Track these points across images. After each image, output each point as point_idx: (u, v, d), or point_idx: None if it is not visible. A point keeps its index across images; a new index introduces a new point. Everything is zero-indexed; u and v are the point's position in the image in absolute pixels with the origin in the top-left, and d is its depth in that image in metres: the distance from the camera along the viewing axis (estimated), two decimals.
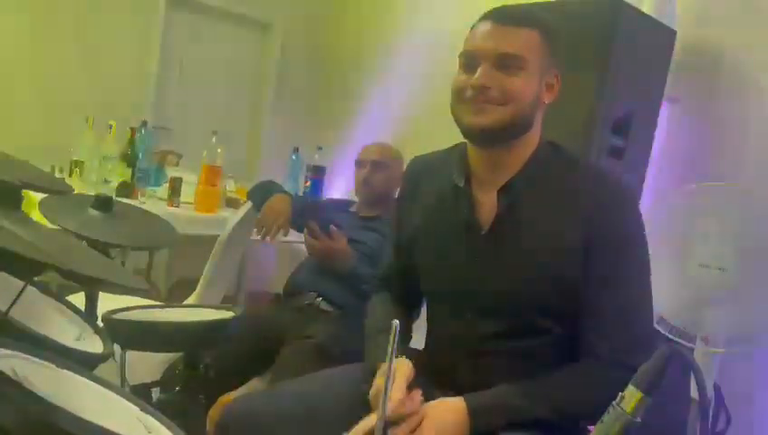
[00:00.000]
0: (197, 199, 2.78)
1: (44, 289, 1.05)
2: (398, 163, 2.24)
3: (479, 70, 1.15)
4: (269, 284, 3.82)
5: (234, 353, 1.78)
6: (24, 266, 0.55)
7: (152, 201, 2.83)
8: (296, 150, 3.38)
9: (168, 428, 0.83)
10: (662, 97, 2.33)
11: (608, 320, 1.12)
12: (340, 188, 3.69)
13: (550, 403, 1.10)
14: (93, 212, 1.21)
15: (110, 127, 2.83)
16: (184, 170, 3.29)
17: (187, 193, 2.83)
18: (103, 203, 1.22)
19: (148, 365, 1.64)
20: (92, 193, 2.50)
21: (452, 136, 1.29)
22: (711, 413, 1.97)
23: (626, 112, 2.14)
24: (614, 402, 0.53)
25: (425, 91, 3.37)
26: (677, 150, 2.47)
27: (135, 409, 0.85)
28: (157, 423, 0.83)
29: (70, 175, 2.82)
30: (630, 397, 0.52)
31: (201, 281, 2.16)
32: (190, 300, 2.18)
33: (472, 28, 1.21)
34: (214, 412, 1.67)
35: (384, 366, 1.17)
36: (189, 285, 2.46)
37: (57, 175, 2.94)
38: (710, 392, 1.87)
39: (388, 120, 3.59)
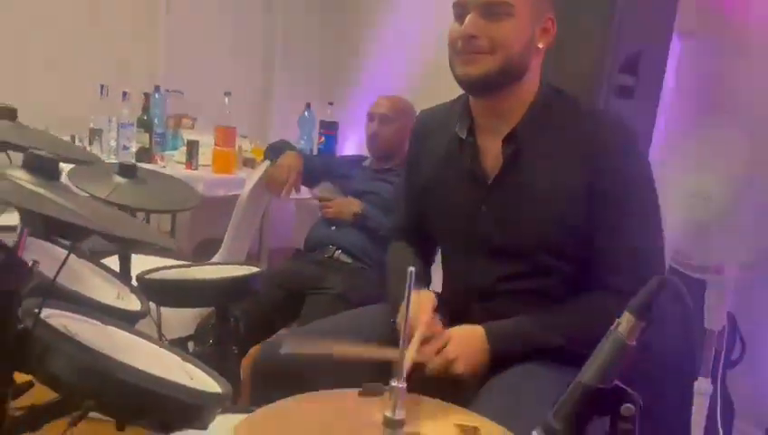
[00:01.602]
0: (214, 161, 2.84)
1: (82, 255, 1.13)
2: (408, 116, 2.26)
3: (467, 19, 1.16)
4: (290, 240, 3.90)
5: (261, 307, 1.87)
6: (70, 233, 0.61)
7: (171, 165, 2.89)
8: (308, 107, 3.40)
9: (208, 374, 0.90)
10: (672, 33, 2.30)
11: (619, 260, 1.17)
12: (354, 142, 3.71)
13: (565, 332, 1.16)
14: (119, 179, 1.27)
15: (125, 94, 2.87)
16: (200, 133, 3.33)
17: (204, 155, 2.89)
18: (127, 170, 1.27)
19: (181, 321, 1.73)
20: (113, 160, 2.59)
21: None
22: (725, 342, 2.02)
23: (635, 50, 2.12)
24: (611, 328, 0.58)
25: (437, 43, 3.34)
26: (691, 88, 2.44)
27: (176, 358, 0.93)
28: (197, 370, 0.91)
29: (90, 144, 2.88)
30: (626, 322, 0.57)
31: (225, 240, 2.24)
32: (215, 259, 2.26)
33: None
34: (246, 362, 1.76)
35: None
36: (213, 246, 2.55)
37: (77, 144, 3.01)
38: (723, 322, 1.92)
39: (401, 73, 3.58)
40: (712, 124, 1.92)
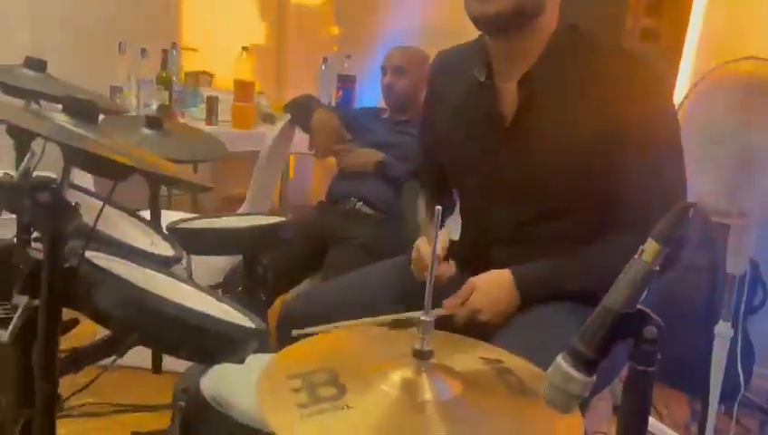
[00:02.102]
0: (234, 116, 2.85)
1: (116, 205, 1.16)
2: (422, 66, 2.23)
3: None
4: (310, 196, 3.94)
5: (286, 257, 1.91)
6: (112, 172, 0.63)
7: (191, 122, 2.91)
8: (325, 60, 3.38)
9: (243, 313, 0.94)
10: None
11: (641, 198, 1.16)
12: (373, 96, 3.69)
13: (594, 275, 1.15)
14: (146, 131, 1.29)
15: (143, 51, 2.87)
16: (218, 89, 3.35)
17: (223, 112, 2.90)
18: (155, 122, 1.30)
19: (210, 270, 1.78)
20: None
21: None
22: (747, 287, 2.04)
23: None
24: (635, 256, 0.60)
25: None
26: (716, 30, 2.39)
27: (212, 299, 0.97)
28: (232, 310, 0.95)
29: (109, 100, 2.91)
30: (650, 249, 0.59)
31: (247, 196, 2.28)
32: (243, 208, 2.30)
33: None
34: (273, 311, 1.82)
35: (420, 240, 1.28)
36: (235, 203, 2.59)
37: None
38: (745, 267, 1.92)
39: (417, 24, 3.53)
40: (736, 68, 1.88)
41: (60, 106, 1.04)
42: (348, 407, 0.68)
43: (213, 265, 1.78)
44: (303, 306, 1.35)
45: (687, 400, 2.30)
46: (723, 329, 1.95)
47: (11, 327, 0.74)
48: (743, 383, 2.02)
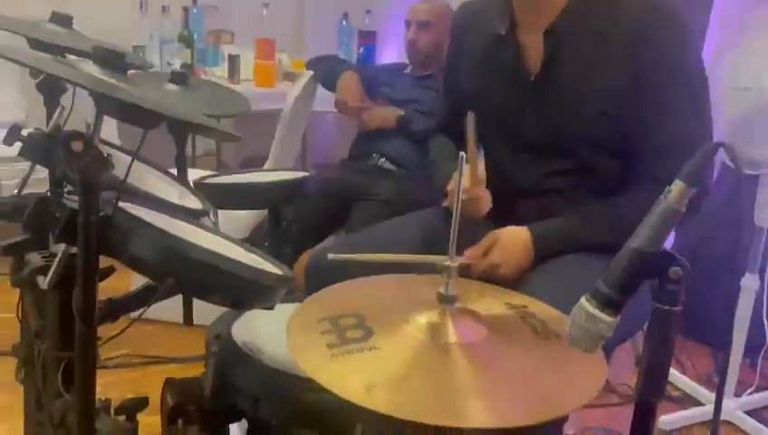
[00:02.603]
0: (256, 75, 2.85)
1: (144, 160, 1.18)
2: (446, 19, 2.20)
3: None
4: (331, 155, 3.95)
5: (311, 213, 1.93)
6: (145, 118, 0.65)
7: (214, 80, 2.92)
8: (345, 16, 3.33)
9: (271, 262, 0.97)
10: None
11: (665, 144, 1.15)
12: (395, 51, 3.64)
13: (612, 229, 1.15)
14: (171, 86, 1.30)
15: (165, 8, 2.86)
16: (239, 48, 3.34)
17: (245, 70, 2.90)
18: (180, 77, 1.30)
19: (236, 225, 1.82)
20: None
21: None
22: None
23: None
24: (661, 196, 0.60)
25: None
26: None
27: (241, 248, 0.99)
28: (260, 258, 0.97)
29: None
30: (676, 190, 0.59)
31: (271, 154, 2.29)
32: (268, 164, 2.33)
33: None
34: (300, 265, 1.85)
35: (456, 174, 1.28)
36: (257, 162, 2.61)
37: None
38: None
39: None
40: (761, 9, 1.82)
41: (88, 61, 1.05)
42: (375, 348, 0.70)
43: (239, 221, 1.81)
44: (329, 262, 1.37)
45: (711, 353, 2.31)
46: (749, 282, 1.94)
47: (50, 274, 0.77)
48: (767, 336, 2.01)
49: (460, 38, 1.41)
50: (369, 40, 3.23)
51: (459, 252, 0.78)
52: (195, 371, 1.93)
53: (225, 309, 0.99)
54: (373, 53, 3.26)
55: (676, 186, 0.58)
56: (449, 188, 1.28)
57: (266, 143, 2.57)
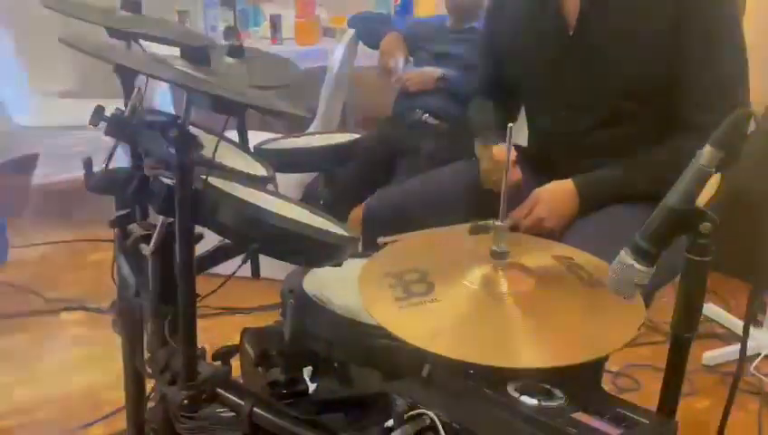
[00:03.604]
0: (298, 33, 2.91)
1: (209, 130, 1.29)
2: None
3: None
4: (373, 108, 4.00)
5: (359, 171, 2.02)
6: (231, 107, 0.74)
7: (257, 41, 2.99)
8: None
9: (335, 223, 1.07)
10: None
11: (705, 92, 1.19)
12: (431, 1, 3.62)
13: (654, 178, 1.20)
14: (229, 60, 1.39)
15: None
16: (278, 6, 3.38)
17: (286, 28, 2.96)
18: (236, 50, 1.39)
19: (291, 185, 1.92)
20: (200, 43, 2.72)
21: None
22: None
23: None
24: (693, 159, 0.67)
25: None
26: None
27: (307, 211, 1.10)
28: (327, 222, 1.07)
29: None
30: (707, 153, 0.65)
31: (318, 113, 2.38)
32: (311, 130, 2.41)
33: None
34: (353, 219, 1.96)
35: (489, 150, 1.35)
36: (300, 117, 2.69)
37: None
38: None
39: None
40: None
41: (158, 45, 1.15)
42: (437, 300, 0.80)
43: (294, 181, 1.92)
44: (384, 208, 1.46)
45: (754, 290, 2.34)
46: None
47: (152, 242, 0.89)
48: None
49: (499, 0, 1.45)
50: None
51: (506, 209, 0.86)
52: (263, 319, 2.09)
53: (284, 264, 1.11)
54: (410, 5, 3.26)
55: (707, 150, 0.65)
56: (483, 168, 1.35)
57: (307, 99, 2.65)
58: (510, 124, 0.82)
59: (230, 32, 2.93)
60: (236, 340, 1.14)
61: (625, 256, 0.70)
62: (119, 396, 1.78)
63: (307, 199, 2.00)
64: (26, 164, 3.00)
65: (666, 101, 1.24)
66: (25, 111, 3.01)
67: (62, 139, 2.92)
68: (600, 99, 1.28)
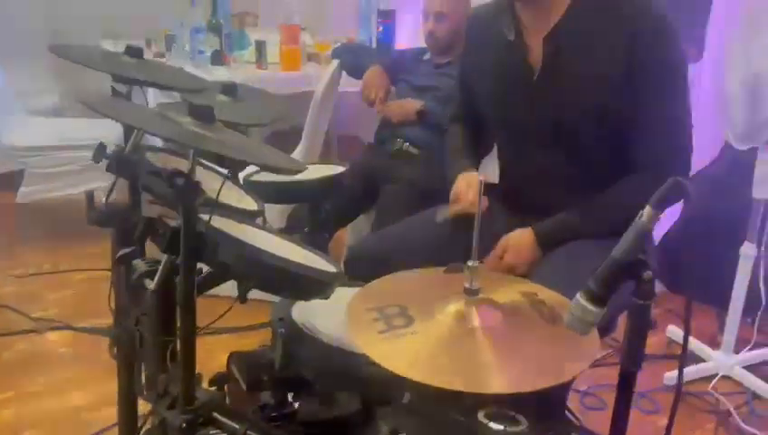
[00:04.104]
0: (282, 60, 3.00)
1: (207, 166, 1.37)
2: (462, 8, 2.33)
3: None
4: (354, 128, 4.12)
5: (343, 198, 2.12)
6: (234, 164, 0.83)
7: (242, 66, 3.07)
8: None
9: (322, 257, 1.16)
10: None
11: (650, 134, 1.32)
12: (410, 29, 3.75)
13: (604, 218, 1.34)
14: (223, 97, 1.48)
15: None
16: (264, 30, 3.47)
17: (271, 54, 3.04)
18: (230, 89, 1.47)
19: (276, 213, 2.01)
20: (189, 65, 2.80)
21: None
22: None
23: None
24: (636, 218, 0.78)
25: None
26: None
27: (295, 246, 1.19)
28: (313, 255, 1.16)
29: (168, 50, 3.08)
30: (646, 214, 0.76)
31: (303, 136, 2.47)
32: (297, 153, 2.50)
33: None
34: (335, 244, 2.06)
35: (460, 176, 1.47)
36: (283, 138, 2.79)
37: (154, 49, 3.22)
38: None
39: None
40: None
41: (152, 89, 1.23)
42: (415, 332, 0.90)
43: (276, 209, 2.01)
44: (367, 249, 1.56)
45: (716, 313, 2.48)
46: (747, 250, 2.10)
47: (156, 277, 0.97)
48: (764, 298, 2.18)
49: (472, 39, 1.57)
50: (387, 19, 3.34)
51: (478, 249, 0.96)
52: (243, 338, 2.15)
53: None
54: (392, 32, 3.38)
55: (647, 211, 0.76)
56: (451, 197, 1.47)
57: (291, 121, 2.74)
58: (481, 177, 0.92)
59: (217, 56, 3.03)
60: (221, 359, 1.22)
61: (580, 299, 0.81)
62: (103, 416, 1.86)
63: (290, 226, 2.09)
64: (10, 182, 3.05)
65: (620, 142, 1.36)
66: (10, 129, 3.06)
67: (47, 158, 2.98)
68: (563, 136, 1.41)
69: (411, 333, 0.90)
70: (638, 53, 1.28)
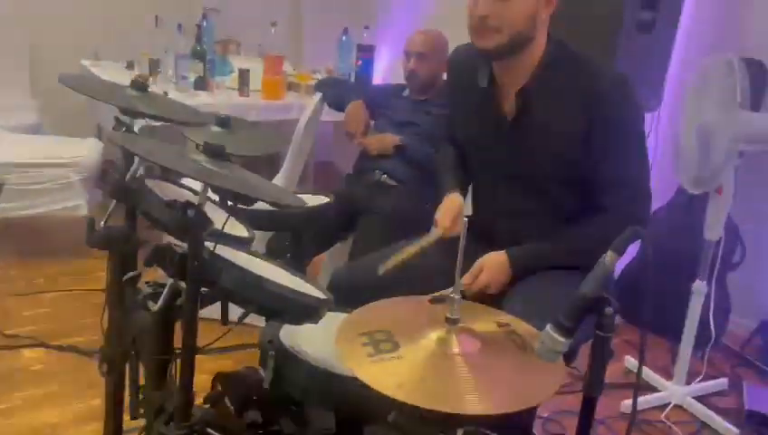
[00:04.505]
0: (265, 89, 3.09)
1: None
2: (442, 50, 2.47)
3: (481, 0, 1.40)
4: (329, 154, 4.23)
5: (323, 226, 2.20)
6: (243, 199, 0.91)
7: (224, 92, 3.15)
8: (345, 31, 3.58)
9: (311, 283, 1.25)
10: None
11: (612, 183, 1.46)
12: (387, 63, 3.89)
13: (571, 249, 1.47)
14: (216, 129, 1.56)
15: (180, 26, 3.07)
16: (245, 58, 3.56)
17: (253, 81, 3.12)
18: (223, 121, 1.56)
19: (255, 241, 2.08)
20: (173, 89, 2.87)
21: None
22: (725, 248, 2.32)
23: None
24: (600, 259, 0.89)
25: None
26: (705, 20, 2.59)
27: (287, 272, 1.27)
28: (303, 281, 1.25)
29: (151, 74, 3.14)
30: (609, 257, 0.88)
31: (285, 163, 2.56)
32: (278, 178, 2.59)
33: None
34: (313, 268, 2.13)
35: (446, 197, 1.59)
36: (263, 164, 2.86)
37: (137, 71, 3.27)
38: (720, 233, 2.21)
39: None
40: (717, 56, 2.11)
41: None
42: (401, 357, 0.99)
43: (259, 235, 2.08)
44: (350, 275, 1.66)
45: (669, 346, 2.63)
46: (698, 287, 2.26)
47: (161, 300, 1.04)
48: (714, 332, 2.33)
49: (455, 78, 1.70)
50: (367, 54, 3.49)
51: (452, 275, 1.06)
52: (224, 359, 2.19)
53: None
54: (371, 66, 3.52)
55: (609, 255, 0.87)
56: (436, 217, 1.57)
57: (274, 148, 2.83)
58: (465, 220, 1.02)
59: (200, 82, 3.11)
60: (200, 379, 1.28)
61: (549, 330, 0.91)
62: (79, 434, 1.87)
63: (271, 252, 2.16)
64: None
65: (582, 185, 1.49)
66: None
67: (24, 175, 2.98)
68: (532, 177, 1.54)
69: (398, 357, 0.99)
70: (598, 111, 1.42)
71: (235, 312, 1.34)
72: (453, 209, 1.57)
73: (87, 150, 3.11)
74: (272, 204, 1.00)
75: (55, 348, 2.30)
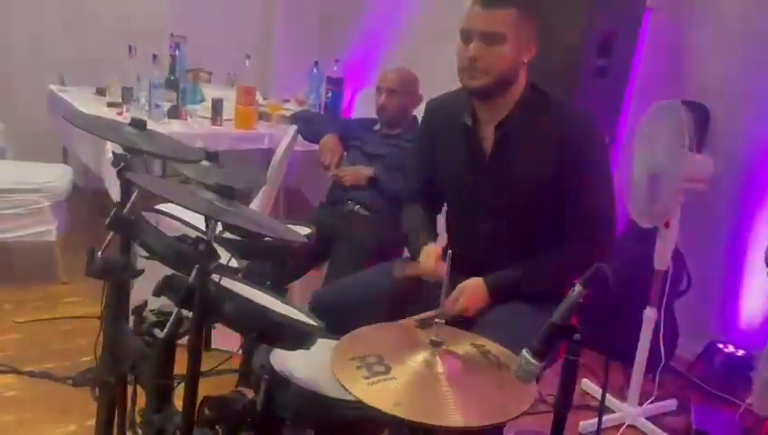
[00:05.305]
0: (237, 118, 3.16)
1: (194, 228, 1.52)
2: (411, 86, 2.63)
3: (471, 45, 1.56)
4: (299, 182, 4.30)
5: (301, 253, 2.28)
6: (249, 236, 1.00)
7: (197, 121, 3.21)
8: (316, 64, 3.71)
9: (302, 312, 1.34)
10: (644, 10, 2.66)
11: (582, 213, 1.60)
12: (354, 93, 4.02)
13: (543, 277, 1.61)
14: (205, 163, 1.65)
15: (155, 57, 3.11)
16: (215, 87, 3.63)
17: (225, 111, 3.19)
18: (212, 156, 1.65)
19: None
20: (146, 117, 2.92)
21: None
22: (671, 277, 2.50)
23: (611, 29, 2.48)
24: (570, 291, 1.01)
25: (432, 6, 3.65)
26: (658, 63, 2.81)
27: (279, 301, 1.36)
28: (294, 309, 1.34)
29: (124, 102, 3.18)
30: (577, 290, 1.00)
31: (261, 192, 2.64)
32: (254, 203, 2.67)
33: (469, 8, 1.58)
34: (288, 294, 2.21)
35: (425, 248, 1.70)
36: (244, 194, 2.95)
37: (108, 98, 3.30)
38: (668, 264, 2.39)
39: (400, 28, 3.87)
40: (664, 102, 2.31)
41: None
42: (394, 378, 1.09)
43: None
44: (329, 298, 1.75)
45: (623, 369, 2.79)
46: (649, 314, 2.43)
47: (167, 328, 1.12)
48: (663, 356, 2.50)
49: (432, 124, 1.83)
50: (336, 86, 3.62)
51: (434, 299, 1.17)
52: (210, 385, 2.22)
53: (224, 335, 1.32)
54: (340, 98, 3.65)
55: (578, 288, 1.00)
56: (420, 265, 1.70)
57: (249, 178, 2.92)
58: (449, 251, 1.14)
59: (173, 111, 3.16)
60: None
61: (525, 354, 1.03)
62: None
63: (250, 276, 2.23)
64: None
65: (555, 217, 1.63)
66: None
67: None
68: (508, 208, 1.68)
69: (392, 378, 1.09)
70: (567, 152, 1.58)
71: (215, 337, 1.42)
72: (433, 255, 1.69)
73: (56, 176, 3.11)
74: (277, 240, 1.09)
75: (27, 374, 2.30)
